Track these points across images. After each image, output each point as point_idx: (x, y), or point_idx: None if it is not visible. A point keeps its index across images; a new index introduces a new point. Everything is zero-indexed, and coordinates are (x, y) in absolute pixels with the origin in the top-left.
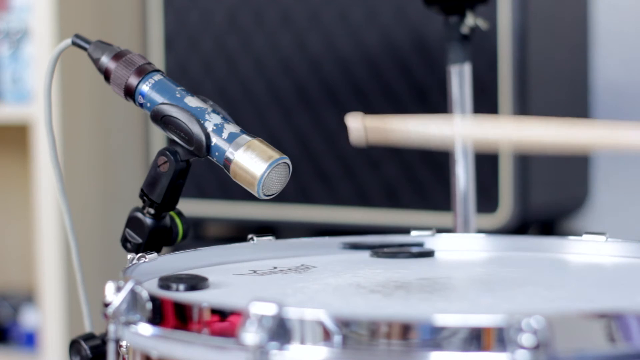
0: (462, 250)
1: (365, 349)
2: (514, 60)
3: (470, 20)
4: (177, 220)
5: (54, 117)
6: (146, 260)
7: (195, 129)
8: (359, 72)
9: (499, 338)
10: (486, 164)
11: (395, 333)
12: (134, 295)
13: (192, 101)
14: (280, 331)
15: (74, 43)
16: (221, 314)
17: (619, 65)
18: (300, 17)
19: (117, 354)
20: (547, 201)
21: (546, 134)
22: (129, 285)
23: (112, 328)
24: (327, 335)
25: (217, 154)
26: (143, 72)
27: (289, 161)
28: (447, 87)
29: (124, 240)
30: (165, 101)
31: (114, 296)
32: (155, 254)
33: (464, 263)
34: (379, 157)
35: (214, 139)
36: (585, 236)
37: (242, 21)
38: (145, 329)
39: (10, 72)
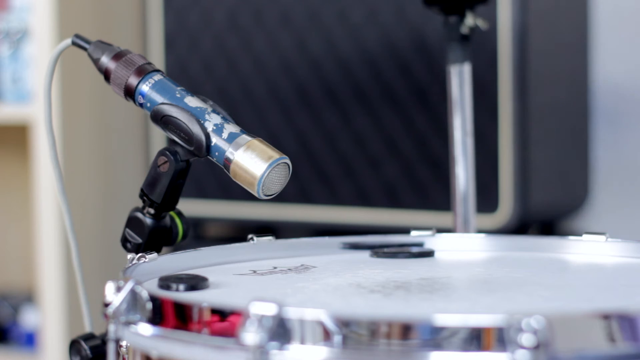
0: (462, 250)
1: (365, 349)
2: (514, 60)
3: (470, 20)
4: (177, 220)
5: (54, 117)
6: (146, 260)
7: (195, 129)
8: (359, 72)
9: (499, 338)
10: (486, 164)
11: (395, 333)
12: (134, 295)
13: (192, 101)
14: (280, 331)
15: (74, 43)
16: (221, 314)
17: (619, 65)
18: (300, 17)
19: (117, 354)
20: (547, 201)
21: None
22: (129, 285)
23: (112, 328)
24: (327, 335)
25: (217, 154)
26: (143, 72)
27: (289, 161)
28: (447, 87)
29: (124, 240)
30: (165, 101)
31: (114, 296)
32: (155, 254)
33: (464, 263)
34: (379, 157)
35: (214, 139)
36: (585, 236)
37: (242, 21)
38: (145, 329)
39: (10, 72)
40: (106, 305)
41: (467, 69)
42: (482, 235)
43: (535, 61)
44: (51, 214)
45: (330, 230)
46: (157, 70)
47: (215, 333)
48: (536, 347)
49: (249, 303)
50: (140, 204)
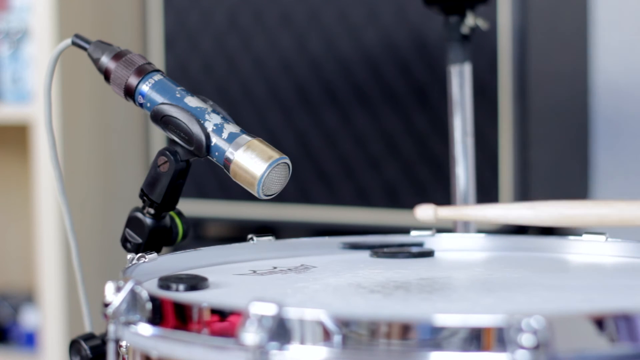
0: (462, 250)
1: (365, 349)
2: (514, 60)
3: (470, 20)
4: (177, 220)
5: (54, 117)
6: (146, 260)
7: (195, 129)
8: (359, 72)
9: (499, 338)
10: (486, 164)
11: (395, 333)
12: (133, 295)
13: (192, 101)
14: (280, 331)
15: (74, 43)
16: (221, 314)
17: (619, 65)
18: (300, 17)
19: (117, 354)
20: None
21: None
22: (129, 285)
23: (112, 328)
24: (327, 335)
25: (217, 154)
26: (143, 72)
27: (289, 161)
28: (447, 87)
29: (124, 240)
30: (165, 101)
31: (114, 296)
32: (155, 254)
33: (464, 263)
34: (379, 157)
35: (214, 139)
36: (585, 236)
37: (242, 21)
38: (145, 329)
39: (10, 72)
40: (106, 305)
41: (467, 69)
42: (482, 235)
43: (535, 61)
44: (51, 214)
45: (330, 230)
46: (157, 70)
47: (215, 333)
48: (536, 347)
49: (249, 303)
50: (140, 204)
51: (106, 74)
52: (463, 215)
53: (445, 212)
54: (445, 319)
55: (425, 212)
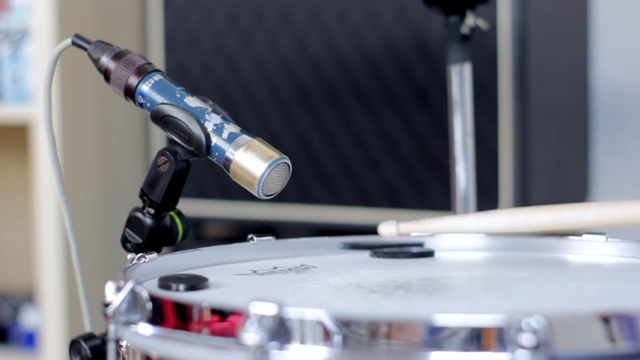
0: (462, 250)
1: (365, 349)
2: (514, 60)
3: (470, 20)
4: (177, 220)
5: (54, 117)
6: (146, 260)
7: (195, 129)
8: (359, 72)
9: (499, 338)
10: (486, 164)
11: (395, 333)
12: (134, 295)
13: (192, 101)
14: (280, 331)
15: (74, 43)
16: (221, 314)
17: (619, 65)
18: (300, 17)
19: (117, 354)
20: (547, 201)
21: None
22: (129, 285)
23: (112, 328)
24: (327, 335)
25: (217, 154)
26: (143, 72)
27: (289, 161)
28: (447, 87)
29: (124, 240)
30: (165, 101)
31: (114, 296)
32: (155, 254)
33: (464, 263)
34: (379, 157)
35: (214, 139)
36: (585, 236)
37: (242, 21)
38: (145, 329)
39: (10, 72)
40: (106, 305)
41: (467, 69)
42: (482, 235)
43: (535, 61)
44: (51, 214)
45: (330, 230)
46: (157, 70)
47: (215, 333)
48: (536, 347)
49: (249, 303)
50: (140, 204)
51: (106, 74)
52: (424, 228)
53: (406, 227)
54: (445, 319)
55: (387, 228)
